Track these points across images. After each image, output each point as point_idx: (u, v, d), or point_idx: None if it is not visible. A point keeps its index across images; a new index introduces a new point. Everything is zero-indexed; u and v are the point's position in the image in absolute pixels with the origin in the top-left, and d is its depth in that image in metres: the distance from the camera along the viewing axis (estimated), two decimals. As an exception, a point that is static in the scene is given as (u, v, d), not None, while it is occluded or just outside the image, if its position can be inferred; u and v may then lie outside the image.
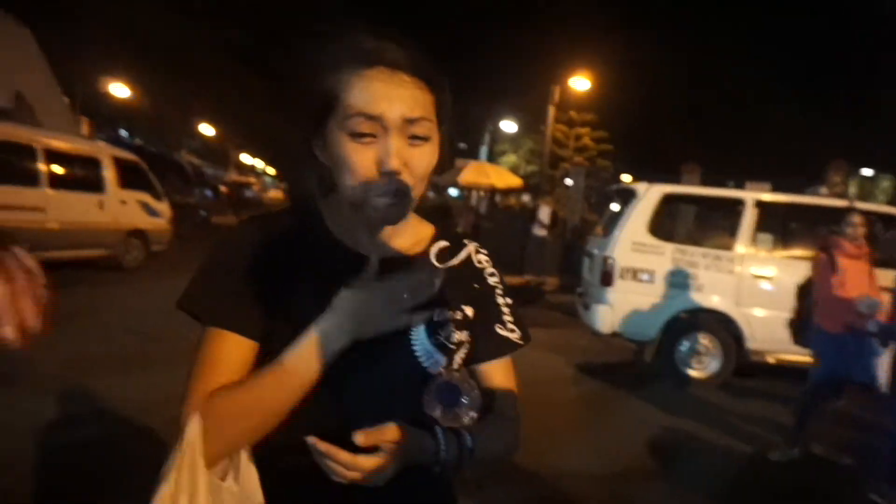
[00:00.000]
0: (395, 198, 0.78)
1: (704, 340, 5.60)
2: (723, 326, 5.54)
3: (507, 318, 0.96)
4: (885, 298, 3.77)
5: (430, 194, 1.02)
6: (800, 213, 6.08)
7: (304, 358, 0.77)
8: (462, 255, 0.96)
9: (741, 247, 5.60)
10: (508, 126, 29.09)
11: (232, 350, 0.81)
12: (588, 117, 29.90)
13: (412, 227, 0.94)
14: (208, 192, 17.77)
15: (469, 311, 0.92)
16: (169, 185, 11.32)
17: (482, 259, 0.99)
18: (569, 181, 16.64)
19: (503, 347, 0.95)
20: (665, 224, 6.16)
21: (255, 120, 25.67)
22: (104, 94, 19.31)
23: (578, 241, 11.68)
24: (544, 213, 11.86)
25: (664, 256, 5.60)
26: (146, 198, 9.45)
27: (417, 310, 0.85)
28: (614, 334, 5.70)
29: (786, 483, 3.72)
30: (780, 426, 4.34)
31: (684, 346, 5.60)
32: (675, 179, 12.86)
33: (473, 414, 0.82)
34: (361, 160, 0.79)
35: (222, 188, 24.46)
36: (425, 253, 0.94)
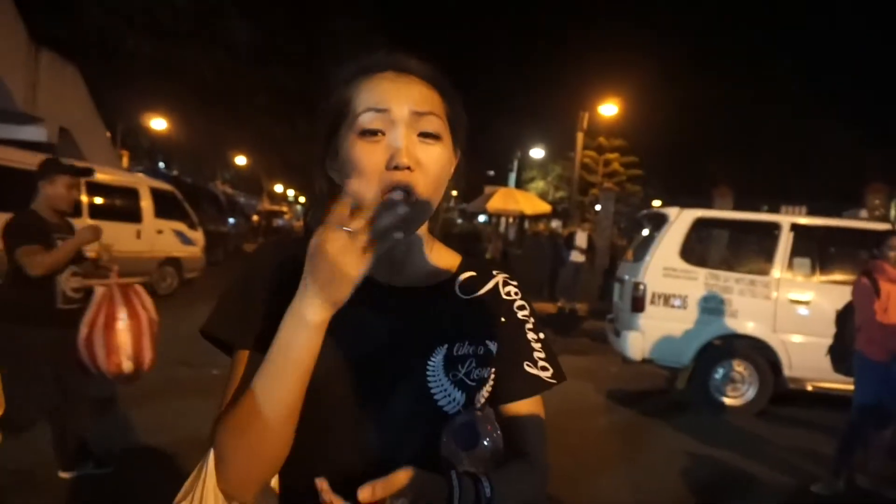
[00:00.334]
0: (403, 195, 0.72)
1: (739, 367, 5.45)
2: (759, 353, 5.39)
3: (538, 354, 0.89)
4: (931, 324, 3.62)
5: (459, 220, 0.98)
6: (838, 236, 5.92)
7: (284, 340, 0.68)
8: (489, 285, 0.90)
9: (777, 271, 5.46)
10: (536, 152, 29.17)
11: (252, 369, 0.75)
12: (617, 142, 29.84)
13: (436, 255, 0.89)
14: (241, 221, 18.13)
15: (493, 345, 0.86)
16: (203, 214, 11.61)
17: (511, 290, 0.92)
18: (598, 207, 16.54)
19: (532, 386, 0.87)
20: (697, 249, 6.06)
21: (289, 151, 26.35)
22: (143, 127, 20.01)
23: (611, 267, 11.57)
24: (581, 239, 11.77)
25: (697, 281, 5.50)
26: (181, 227, 9.69)
27: (431, 341, 0.80)
28: (645, 361, 5.59)
29: (830, 518, 3.56)
30: (822, 457, 4.17)
31: (718, 373, 5.46)
32: (707, 204, 12.73)
33: (494, 459, 0.75)
34: (369, 158, 0.75)
35: (254, 217, 24.98)
36: (450, 282, 0.88)
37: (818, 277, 5.56)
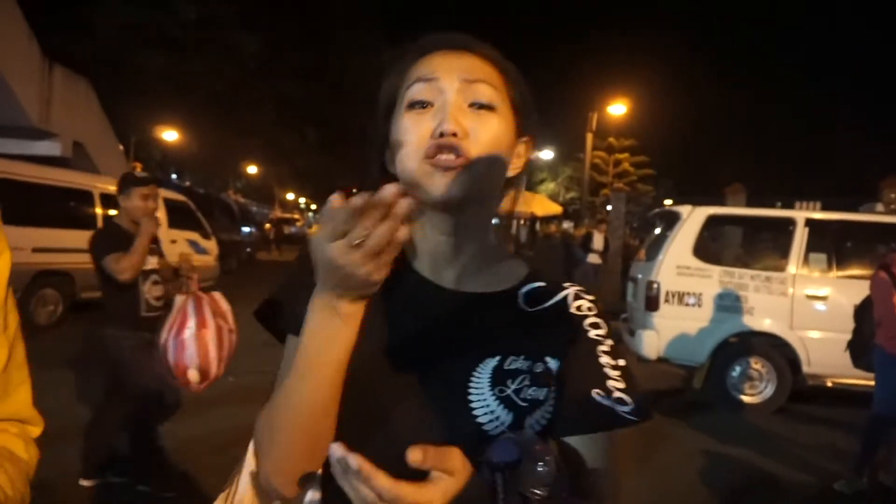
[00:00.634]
0: (447, 157, 0.67)
1: (757, 365, 5.39)
2: (776, 350, 5.33)
3: (615, 383, 0.73)
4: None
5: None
6: (854, 231, 5.86)
7: (311, 333, 0.64)
8: (557, 297, 0.79)
9: (793, 267, 5.40)
10: (546, 154, 29.14)
11: None
12: (627, 142, 29.72)
13: (500, 262, 0.81)
14: (253, 230, 18.27)
15: (554, 364, 0.74)
16: (216, 224, 11.70)
17: (583, 305, 0.79)
18: (609, 207, 16.48)
19: (599, 419, 0.71)
20: (711, 246, 6.02)
21: (299, 159, 26.53)
22: (155, 139, 20.24)
23: (623, 267, 11.51)
24: (598, 240, 11.71)
25: (711, 279, 5.45)
26: (194, 236, 9.78)
27: (481, 350, 0.72)
28: (661, 360, 5.54)
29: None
30: (844, 454, 4.11)
31: (735, 371, 5.40)
32: (720, 202, 12.62)
33: (541, 491, 0.60)
34: (415, 129, 0.70)
35: (266, 225, 25.16)
36: (512, 291, 0.79)
37: (835, 272, 5.49)
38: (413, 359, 0.72)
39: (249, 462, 0.73)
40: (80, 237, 7.64)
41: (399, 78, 0.75)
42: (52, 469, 3.14)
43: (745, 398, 5.38)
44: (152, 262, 3.12)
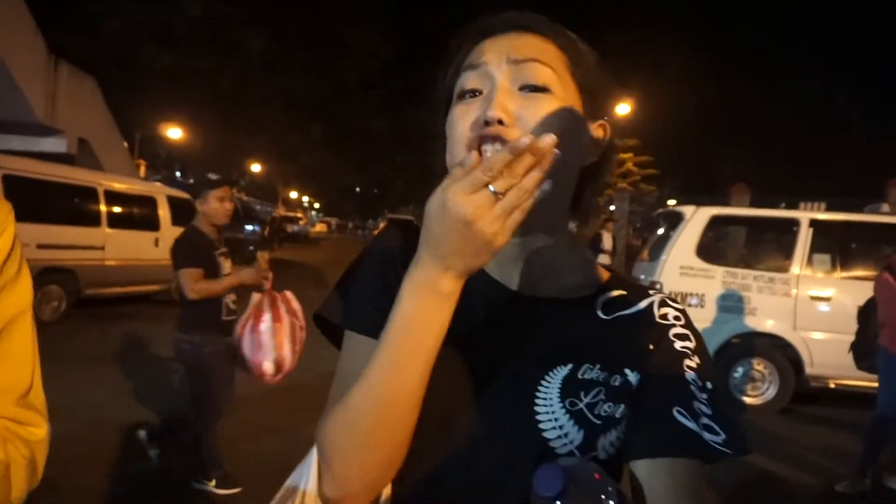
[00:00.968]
0: (492, 148, 0.61)
1: (759, 366, 5.38)
2: (779, 351, 5.32)
3: (701, 406, 0.64)
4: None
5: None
6: (859, 231, 5.84)
7: (404, 315, 0.58)
8: (640, 304, 0.71)
9: (797, 268, 5.39)
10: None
11: (366, 357, 0.62)
12: (631, 142, 29.66)
13: (577, 266, 0.74)
14: (257, 227, 18.30)
15: (634, 377, 0.66)
16: (220, 222, 11.71)
17: (669, 313, 0.71)
18: (612, 207, 16.48)
19: (686, 444, 0.62)
20: (714, 247, 6.00)
21: (304, 157, 26.56)
22: (160, 137, 20.31)
23: (626, 268, 11.48)
24: (607, 240, 11.67)
25: (714, 280, 5.44)
26: (198, 234, 9.78)
27: (551, 357, 0.65)
28: (664, 361, 5.53)
29: (856, 518, 3.49)
30: (847, 456, 4.10)
31: (738, 371, 5.40)
32: (724, 202, 12.58)
33: None
34: (463, 119, 0.65)
35: (266, 224, 25.18)
36: (591, 299, 0.71)
37: (839, 273, 5.48)
38: (477, 364, 0.66)
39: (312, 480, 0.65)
40: (85, 234, 7.71)
41: (455, 73, 0.70)
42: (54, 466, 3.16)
43: (748, 399, 5.38)
44: (227, 267, 3.17)
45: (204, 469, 3.06)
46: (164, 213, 9.05)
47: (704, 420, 0.63)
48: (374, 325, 0.64)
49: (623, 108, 17.57)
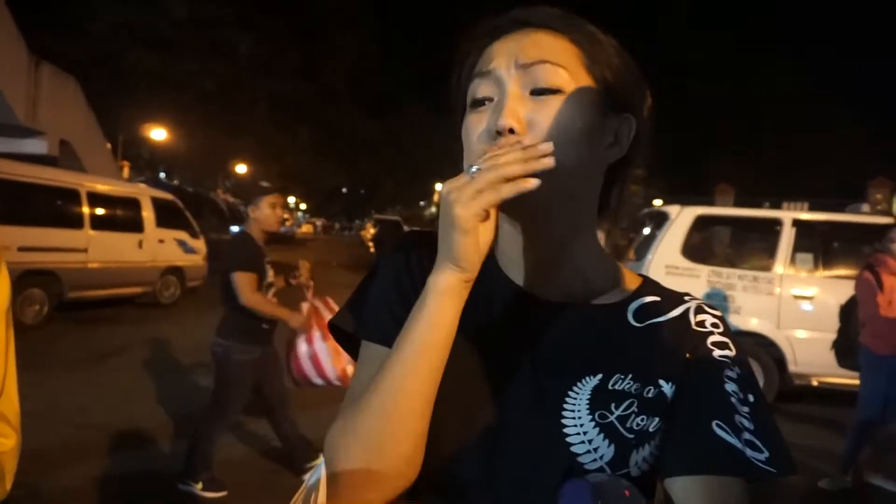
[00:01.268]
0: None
1: (745, 365, 5.43)
2: (763, 349, 5.38)
3: (742, 420, 0.59)
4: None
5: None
6: (841, 231, 5.92)
7: (411, 317, 0.58)
8: (676, 311, 0.67)
9: (780, 267, 5.46)
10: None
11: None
12: (616, 143, 29.81)
13: (607, 271, 0.70)
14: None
15: (670, 388, 0.62)
16: (205, 223, 11.62)
17: (706, 320, 0.66)
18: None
19: (727, 461, 0.57)
20: (699, 246, 6.06)
21: (290, 159, 26.43)
22: (144, 138, 20.11)
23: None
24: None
25: (699, 279, 5.49)
26: (183, 236, 9.70)
27: (580, 366, 0.62)
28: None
29: (839, 513, 3.54)
30: (829, 453, 4.15)
31: (724, 371, 5.44)
32: (709, 203, 12.71)
33: None
34: (475, 129, 0.63)
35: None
36: (621, 305, 0.67)
37: (821, 272, 5.55)
38: (500, 374, 0.63)
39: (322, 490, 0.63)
40: (67, 236, 7.61)
41: (468, 77, 0.67)
42: (36, 468, 3.11)
43: (733, 397, 5.42)
44: (272, 275, 3.18)
45: (192, 471, 3.03)
46: (148, 214, 8.96)
47: (746, 435, 0.58)
48: (388, 333, 0.62)
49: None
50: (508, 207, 0.59)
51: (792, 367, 5.33)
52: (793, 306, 5.38)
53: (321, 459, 0.63)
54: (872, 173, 15.18)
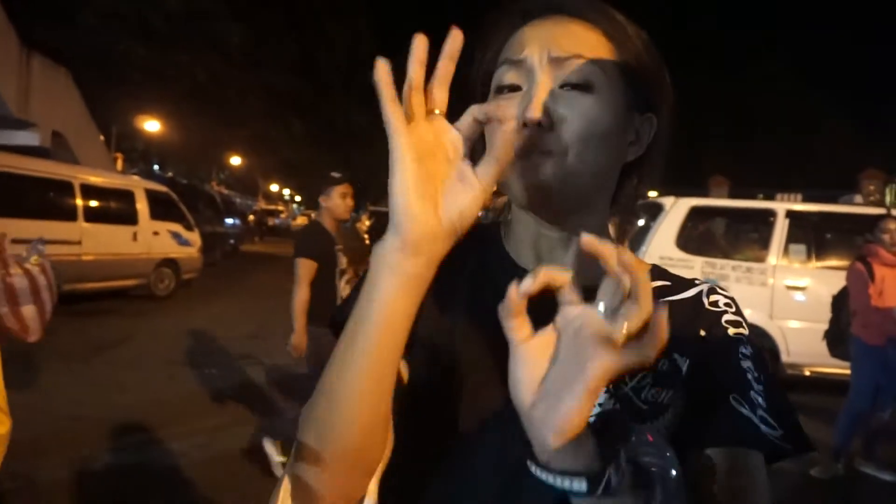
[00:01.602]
0: (527, 155, 0.58)
1: (738, 355, 5.47)
2: (756, 340, 5.40)
3: (757, 397, 0.60)
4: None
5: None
6: (833, 222, 5.95)
7: (365, 299, 0.53)
8: (689, 292, 0.68)
9: (773, 258, 5.49)
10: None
11: None
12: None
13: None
14: (237, 221, 18.12)
15: (684, 362, 0.62)
16: (199, 215, 11.58)
17: (719, 301, 0.67)
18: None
19: (745, 434, 0.57)
20: (693, 237, 6.08)
21: (284, 150, 26.33)
22: (137, 129, 19.99)
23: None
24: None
25: (693, 270, 5.51)
26: (177, 228, 9.67)
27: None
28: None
29: (829, 501, 3.58)
30: (821, 441, 4.18)
31: (717, 361, 5.48)
32: (703, 194, 12.75)
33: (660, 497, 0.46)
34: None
35: (250, 217, 25.02)
36: None
37: (814, 263, 5.58)
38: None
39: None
40: (61, 228, 7.57)
41: (493, 59, 0.66)
42: (30, 461, 3.12)
43: (726, 387, 5.46)
44: (343, 262, 3.27)
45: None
46: (142, 206, 8.92)
47: (761, 412, 0.58)
48: None
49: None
50: (529, 204, 0.60)
51: (785, 358, 5.36)
52: (786, 297, 5.41)
53: None
54: (865, 164, 15.26)
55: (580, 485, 0.45)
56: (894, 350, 3.62)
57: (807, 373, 5.38)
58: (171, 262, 9.44)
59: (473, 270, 0.69)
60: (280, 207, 41.54)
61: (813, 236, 5.71)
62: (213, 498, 3.04)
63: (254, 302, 9.14)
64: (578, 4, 0.63)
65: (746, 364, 0.61)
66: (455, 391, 0.60)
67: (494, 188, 0.54)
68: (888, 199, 13.29)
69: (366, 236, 22.12)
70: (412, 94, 0.50)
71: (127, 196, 8.78)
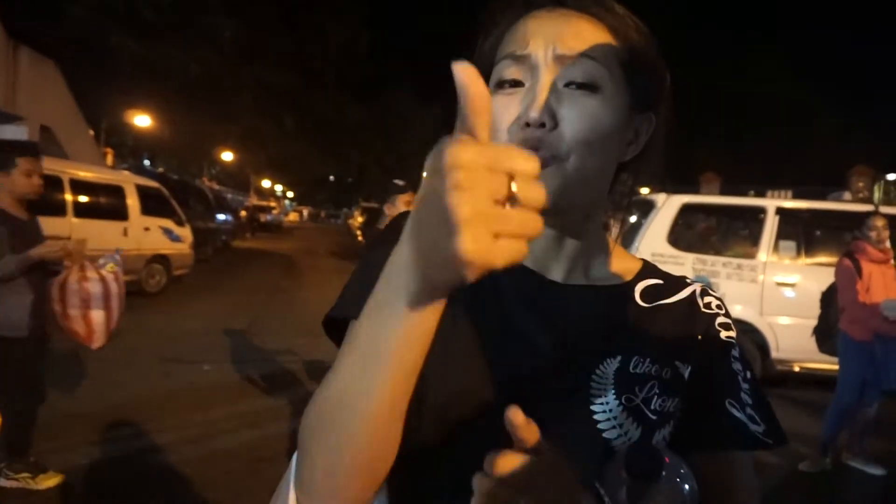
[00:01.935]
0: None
1: (728, 351, 5.51)
2: (746, 336, 5.45)
3: (745, 395, 0.64)
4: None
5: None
6: (823, 219, 6.00)
7: (373, 317, 0.47)
8: (682, 293, 0.69)
9: (763, 255, 5.53)
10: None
11: None
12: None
13: (611, 257, 0.70)
14: (229, 217, 18.03)
15: (685, 369, 0.64)
16: (191, 211, 11.52)
17: (712, 303, 0.69)
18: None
19: (737, 437, 0.62)
20: (684, 234, 6.12)
21: (276, 146, 26.21)
22: (127, 124, 19.83)
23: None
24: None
25: (684, 267, 5.55)
26: (169, 224, 9.61)
27: (599, 349, 0.61)
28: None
29: (817, 495, 3.62)
30: (809, 436, 4.23)
31: (708, 357, 5.52)
32: (694, 191, 12.80)
33: None
34: (501, 115, 0.59)
35: (242, 213, 24.92)
36: (628, 286, 0.68)
37: (804, 260, 5.63)
38: (518, 360, 0.61)
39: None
40: (50, 224, 7.48)
41: (492, 49, 0.64)
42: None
43: (716, 383, 5.50)
44: None
45: None
46: (132, 202, 8.86)
47: (748, 410, 0.63)
48: (356, 307, 0.57)
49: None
50: None
51: (774, 354, 5.41)
52: (776, 293, 5.46)
53: None
54: (854, 161, 15.38)
55: None
56: (881, 345, 3.66)
57: (796, 368, 5.43)
58: (162, 258, 9.39)
59: None
60: (272, 203, 41.38)
61: (802, 233, 5.76)
62: (206, 494, 3.04)
63: (246, 298, 9.12)
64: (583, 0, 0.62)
65: (737, 366, 0.65)
66: (450, 383, 0.60)
67: None
68: (876, 195, 13.40)
69: (358, 233, 22.11)
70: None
71: (117, 191, 8.71)
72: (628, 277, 0.69)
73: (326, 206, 67.34)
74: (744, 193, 11.21)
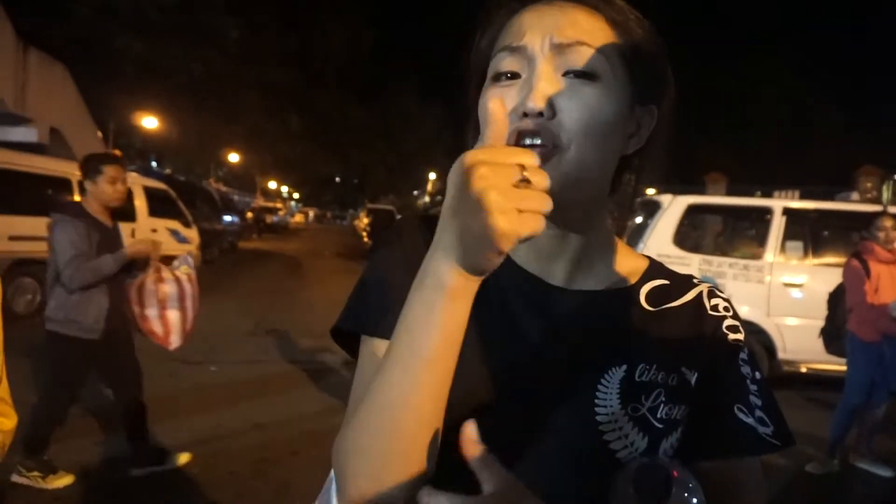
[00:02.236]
0: (530, 143, 0.55)
1: (735, 352, 5.49)
2: (753, 337, 5.43)
3: (755, 399, 0.62)
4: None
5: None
6: (830, 219, 5.97)
7: (408, 315, 0.51)
8: (688, 295, 0.67)
9: (770, 255, 5.50)
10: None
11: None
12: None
13: (615, 257, 0.68)
14: (235, 218, 18.10)
15: (692, 375, 0.62)
16: (197, 212, 11.58)
17: (719, 305, 0.67)
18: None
19: (745, 441, 0.61)
20: (690, 235, 6.10)
21: (282, 147, 26.29)
22: (135, 126, 19.94)
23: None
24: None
25: (690, 268, 5.53)
26: (176, 225, 9.67)
27: (604, 357, 0.60)
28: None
29: (824, 496, 3.60)
30: (817, 438, 4.21)
31: (714, 358, 5.50)
32: (700, 191, 12.75)
33: None
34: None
35: (248, 214, 25.02)
36: (633, 289, 0.66)
37: (811, 260, 5.61)
38: (523, 369, 0.60)
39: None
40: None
41: (489, 44, 0.63)
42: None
43: (723, 384, 5.48)
44: None
45: None
46: (140, 203, 8.92)
47: (757, 412, 0.62)
48: (373, 323, 0.61)
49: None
50: None
51: (781, 355, 5.39)
52: (783, 294, 5.43)
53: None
54: (862, 161, 15.29)
55: None
56: (889, 346, 3.64)
57: (803, 369, 5.40)
58: (169, 260, 9.43)
59: None
60: (278, 204, 41.52)
61: (809, 233, 5.73)
62: (212, 494, 3.05)
63: (252, 299, 9.14)
64: None
65: (745, 370, 0.63)
66: (454, 388, 0.58)
67: None
68: (885, 196, 13.31)
69: (364, 234, 22.13)
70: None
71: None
72: (634, 279, 0.67)
73: (332, 208, 67.47)
74: (750, 194, 11.16)
